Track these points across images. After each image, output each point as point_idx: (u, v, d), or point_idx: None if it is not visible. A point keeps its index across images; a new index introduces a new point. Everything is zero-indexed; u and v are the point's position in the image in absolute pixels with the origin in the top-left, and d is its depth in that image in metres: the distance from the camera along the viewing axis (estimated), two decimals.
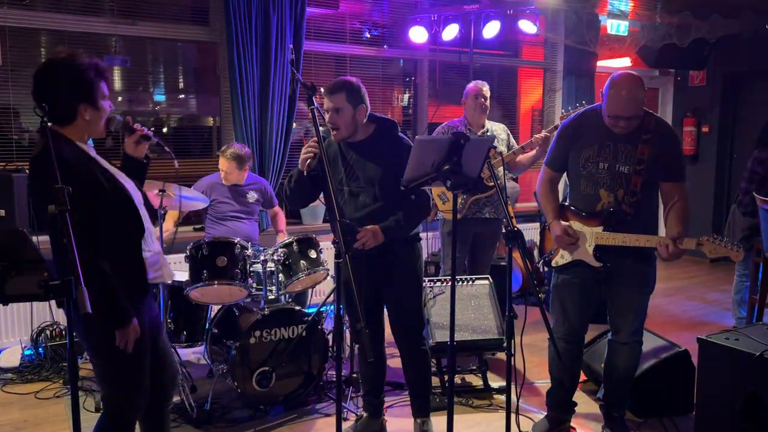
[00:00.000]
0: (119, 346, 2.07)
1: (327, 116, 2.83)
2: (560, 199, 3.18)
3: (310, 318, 3.50)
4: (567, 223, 2.99)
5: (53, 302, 3.80)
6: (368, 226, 2.80)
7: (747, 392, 2.64)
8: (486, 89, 4.22)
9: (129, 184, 2.24)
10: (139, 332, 2.12)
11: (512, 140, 4.40)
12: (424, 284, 3.73)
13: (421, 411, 3.15)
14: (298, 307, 3.56)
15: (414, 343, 3.07)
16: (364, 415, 3.20)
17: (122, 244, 2.15)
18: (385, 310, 3.13)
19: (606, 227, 2.89)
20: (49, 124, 1.97)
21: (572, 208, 3.03)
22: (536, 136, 4.22)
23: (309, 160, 2.79)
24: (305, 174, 2.82)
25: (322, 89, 2.85)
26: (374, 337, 3.07)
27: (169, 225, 4.16)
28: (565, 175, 3.14)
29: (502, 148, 4.26)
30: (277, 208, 4.43)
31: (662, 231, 2.90)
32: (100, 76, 2.16)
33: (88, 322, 1.69)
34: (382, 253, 2.87)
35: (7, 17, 4.20)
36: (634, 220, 2.87)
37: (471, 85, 4.25)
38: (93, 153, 2.19)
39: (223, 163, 4.09)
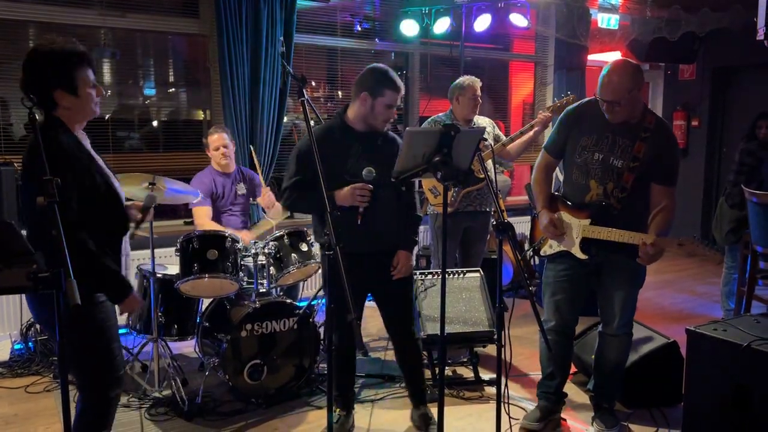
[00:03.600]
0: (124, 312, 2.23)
1: (393, 112, 2.86)
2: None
3: (301, 311, 3.51)
4: (555, 214, 2.99)
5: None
6: (402, 254, 2.97)
7: (735, 383, 2.67)
8: (479, 85, 4.21)
9: (117, 183, 2.29)
10: (140, 303, 2.25)
11: (497, 131, 4.40)
12: (414, 277, 3.76)
13: (422, 399, 3.19)
14: (289, 300, 3.56)
15: (410, 334, 3.14)
16: (342, 414, 3.15)
17: (106, 240, 2.19)
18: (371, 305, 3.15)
19: (593, 220, 2.90)
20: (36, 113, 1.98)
21: (563, 198, 3.04)
22: (538, 117, 4.19)
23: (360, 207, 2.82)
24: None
25: (313, 83, 2.86)
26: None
27: (204, 220, 4.01)
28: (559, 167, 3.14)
29: (490, 141, 4.26)
30: (263, 190, 4.21)
31: None
32: (82, 62, 2.14)
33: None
34: (388, 251, 2.97)
35: None
36: (622, 216, 2.86)
37: (467, 82, 4.16)
38: (88, 146, 2.23)
39: (219, 139, 4.03)
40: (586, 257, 2.93)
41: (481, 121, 4.34)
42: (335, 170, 2.77)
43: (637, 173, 2.84)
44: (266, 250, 3.53)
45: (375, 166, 2.83)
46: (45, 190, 1.68)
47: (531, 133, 4.20)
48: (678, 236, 2.80)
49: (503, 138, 4.33)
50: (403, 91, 2.87)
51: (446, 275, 2.66)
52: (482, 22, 5.50)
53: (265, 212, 4.37)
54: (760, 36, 4.52)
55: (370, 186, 2.79)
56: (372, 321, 3.25)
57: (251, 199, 4.36)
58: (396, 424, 3.23)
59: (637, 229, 2.82)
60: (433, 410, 3.11)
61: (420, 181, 3.27)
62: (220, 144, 4.04)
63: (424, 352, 3.72)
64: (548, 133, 3.23)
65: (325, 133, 2.91)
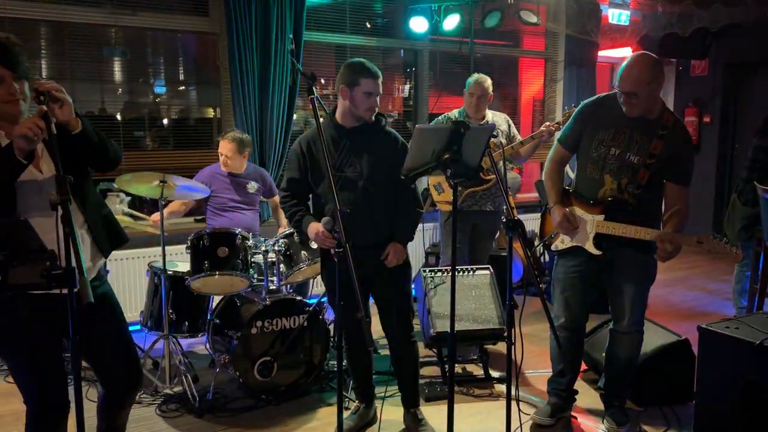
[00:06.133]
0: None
1: (374, 100, 2.85)
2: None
3: (311, 308, 3.52)
4: (568, 209, 2.98)
5: None
6: (391, 246, 2.88)
7: (747, 381, 2.65)
8: (487, 84, 4.18)
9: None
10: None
11: (513, 130, 4.38)
12: (424, 274, 3.75)
13: (415, 401, 3.16)
14: (299, 298, 3.57)
15: (403, 337, 3.06)
16: (361, 406, 3.20)
17: None
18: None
19: (608, 216, 2.89)
20: None
21: (576, 193, 3.03)
22: (542, 128, 4.17)
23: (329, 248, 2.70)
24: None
25: (322, 80, 2.86)
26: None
27: (174, 207, 4.18)
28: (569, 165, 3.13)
29: (503, 140, 4.25)
30: (277, 198, 4.42)
31: None
32: None
33: None
34: (378, 244, 2.91)
35: (6, 7, 4.19)
36: (636, 212, 2.86)
37: (470, 80, 4.19)
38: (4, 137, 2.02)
39: (223, 146, 4.07)
40: (600, 253, 2.92)
41: (497, 118, 4.32)
42: (322, 167, 2.83)
43: (653, 170, 2.83)
44: (276, 248, 3.54)
45: (363, 160, 2.84)
46: (59, 188, 1.69)
47: (538, 139, 4.21)
48: (691, 234, 2.79)
49: (519, 138, 4.31)
50: (379, 78, 2.83)
51: (456, 272, 2.64)
52: (492, 19, 5.49)
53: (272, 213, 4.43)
54: None
55: (331, 236, 2.64)
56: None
57: (265, 197, 4.38)
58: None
59: (651, 225, 2.82)
60: (443, 408, 3.10)
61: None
62: (222, 152, 4.07)
63: (434, 350, 3.73)
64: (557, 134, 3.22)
65: (315, 133, 2.90)
